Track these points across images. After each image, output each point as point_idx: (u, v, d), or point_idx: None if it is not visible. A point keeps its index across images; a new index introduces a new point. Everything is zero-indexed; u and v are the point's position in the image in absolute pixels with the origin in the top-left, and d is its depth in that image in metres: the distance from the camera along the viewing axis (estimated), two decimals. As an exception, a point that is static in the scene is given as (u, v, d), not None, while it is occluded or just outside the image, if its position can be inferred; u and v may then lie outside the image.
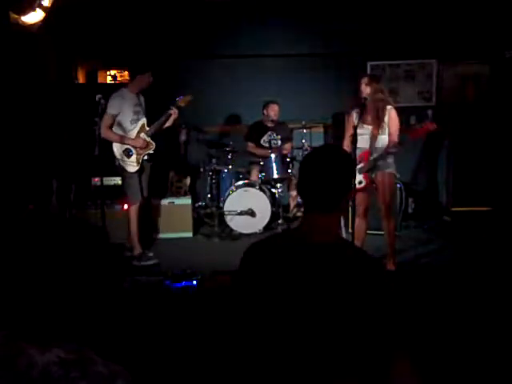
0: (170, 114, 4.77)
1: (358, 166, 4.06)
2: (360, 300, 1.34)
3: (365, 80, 4.11)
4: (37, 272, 0.98)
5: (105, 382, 0.96)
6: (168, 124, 4.86)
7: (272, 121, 5.99)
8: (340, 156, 1.55)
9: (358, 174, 3.99)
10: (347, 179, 1.53)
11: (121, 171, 4.74)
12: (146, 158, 4.76)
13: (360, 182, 4.10)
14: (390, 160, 4.16)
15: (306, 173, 1.52)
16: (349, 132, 4.17)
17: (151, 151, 4.77)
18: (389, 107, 4.12)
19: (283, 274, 1.41)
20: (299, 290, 1.38)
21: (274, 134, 6.01)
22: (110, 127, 4.58)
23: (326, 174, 1.47)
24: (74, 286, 1.01)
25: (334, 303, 1.34)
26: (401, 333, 1.37)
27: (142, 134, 4.72)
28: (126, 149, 4.67)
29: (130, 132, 4.68)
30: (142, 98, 4.83)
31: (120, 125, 4.63)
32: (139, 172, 4.73)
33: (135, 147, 4.67)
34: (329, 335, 1.33)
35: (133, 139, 4.67)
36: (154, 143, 4.77)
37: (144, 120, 4.75)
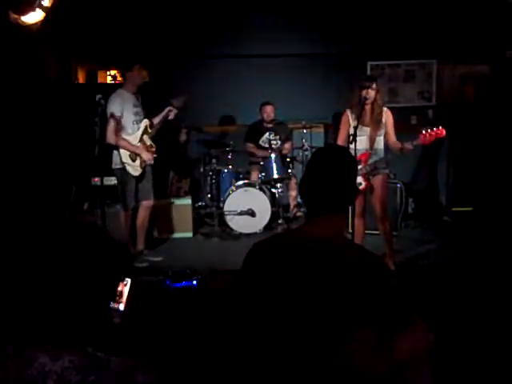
0: (168, 115, 4.75)
1: (358, 167, 4.07)
2: (365, 299, 1.34)
3: (374, 85, 4.10)
4: (43, 277, 0.96)
5: (123, 378, 0.95)
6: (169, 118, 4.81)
7: (271, 121, 5.99)
8: (347, 157, 1.56)
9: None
10: (354, 181, 1.55)
11: (121, 175, 4.60)
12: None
13: (360, 184, 4.10)
14: (386, 162, 4.20)
15: (314, 175, 1.52)
16: (343, 132, 4.21)
17: (154, 155, 4.72)
18: (385, 109, 4.19)
19: (287, 274, 1.41)
20: (303, 290, 1.38)
21: (273, 134, 6.00)
22: (116, 131, 4.46)
23: (335, 175, 1.49)
24: (81, 289, 0.99)
25: (338, 303, 1.34)
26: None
27: (145, 137, 4.65)
28: (132, 152, 4.59)
29: (133, 135, 4.57)
30: (139, 97, 4.72)
31: (123, 128, 4.52)
32: (139, 177, 4.65)
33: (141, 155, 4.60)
34: (334, 335, 1.33)
35: (142, 150, 4.58)
36: (155, 146, 4.73)
37: (146, 121, 4.67)
